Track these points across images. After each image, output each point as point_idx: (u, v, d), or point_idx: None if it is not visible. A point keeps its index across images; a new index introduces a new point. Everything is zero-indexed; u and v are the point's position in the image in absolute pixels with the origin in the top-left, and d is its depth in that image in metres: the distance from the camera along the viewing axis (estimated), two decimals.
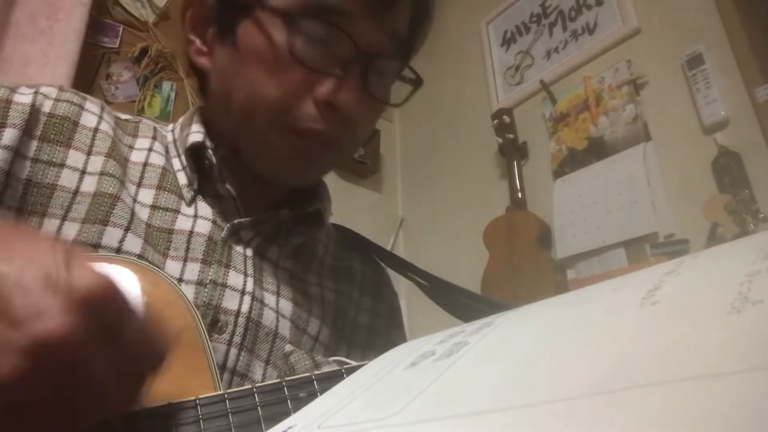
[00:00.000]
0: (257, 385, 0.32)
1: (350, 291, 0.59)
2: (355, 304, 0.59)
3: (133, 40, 1.68)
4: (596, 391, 0.14)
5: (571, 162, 1.60)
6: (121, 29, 1.68)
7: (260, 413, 0.31)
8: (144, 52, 1.68)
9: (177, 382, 0.35)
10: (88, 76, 1.57)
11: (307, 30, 0.44)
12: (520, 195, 1.67)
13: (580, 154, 1.58)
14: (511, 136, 1.74)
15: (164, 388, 0.35)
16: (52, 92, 0.48)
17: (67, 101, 0.48)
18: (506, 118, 1.75)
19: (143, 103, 1.65)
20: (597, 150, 1.54)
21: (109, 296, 0.24)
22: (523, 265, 1.54)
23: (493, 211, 1.70)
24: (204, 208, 0.50)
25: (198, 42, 0.51)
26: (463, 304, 0.52)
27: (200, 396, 0.31)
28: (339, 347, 0.54)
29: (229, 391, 0.32)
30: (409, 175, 2.26)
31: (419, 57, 0.54)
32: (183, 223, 0.48)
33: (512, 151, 1.73)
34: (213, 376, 0.36)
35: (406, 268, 0.58)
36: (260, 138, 0.47)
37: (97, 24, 1.61)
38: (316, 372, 0.33)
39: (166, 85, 1.72)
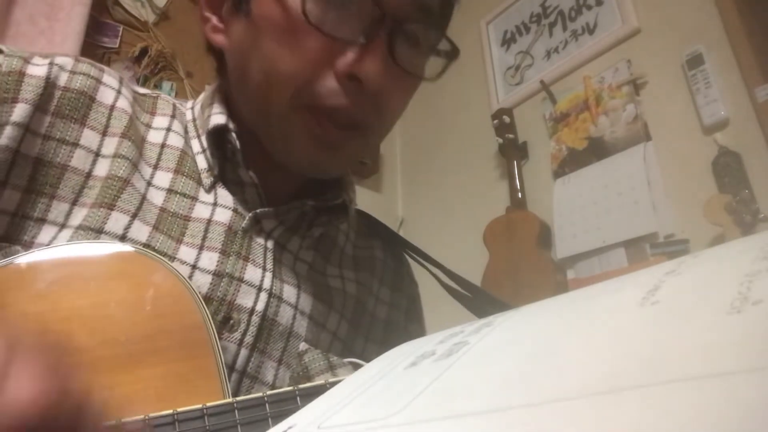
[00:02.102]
0: (268, 393, 0.31)
1: (371, 282, 0.58)
2: (374, 296, 0.58)
3: (133, 40, 1.68)
4: (596, 391, 0.14)
5: (571, 162, 1.60)
6: (121, 29, 1.68)
7: (271, 425, 0.29)
8: (144, 52, 1.68)
9: (184, 385, 0.34)
10: None
11: None
12: (520, 195, 1.67)
13: (580, 154, 1.58)
14: (511, 136, 1.74)
15: (171, 391, 0.33)
16: (68, 63, 0.45)
17: (84, 74, 0.45)
18: (506, 118, 1.75)
19: None
20: (597, 150, 1.54)
21: (52, 413, 0.21)
22: (523, 265, 1.54)
23: (493, 211, 1.70)
24: (224, 195, 0.48)
25: (214, 19, 0.47)
26: (475, 299, 0.52)
27: (207, 404, 0.30)
28: (356, 342, 0.53)
29: (238, 399, 0.30)
30: (409, 175, 2.26)
31: None
32: (201, 211, 0.46)
33: (512, 151, 1.73)
34: (221, 379, 0.35)
35: (425, 258, 0.57)
36: (279, 120, 0.44)
37: (97, 24, 1.61)
38: (330, 380, 0.32)
39: (166, 85, 1.72)
